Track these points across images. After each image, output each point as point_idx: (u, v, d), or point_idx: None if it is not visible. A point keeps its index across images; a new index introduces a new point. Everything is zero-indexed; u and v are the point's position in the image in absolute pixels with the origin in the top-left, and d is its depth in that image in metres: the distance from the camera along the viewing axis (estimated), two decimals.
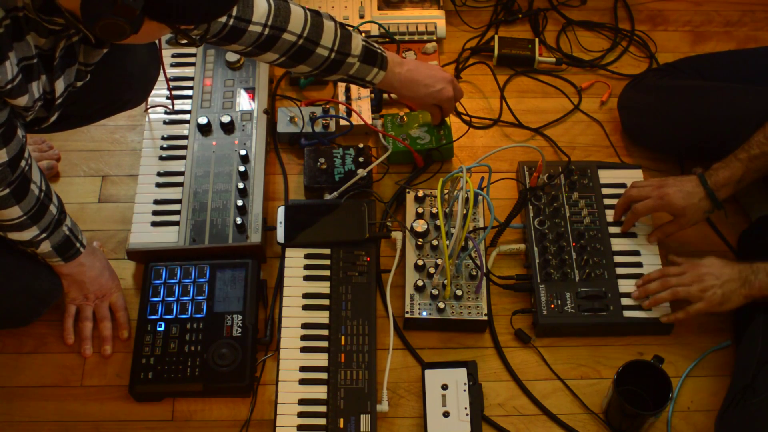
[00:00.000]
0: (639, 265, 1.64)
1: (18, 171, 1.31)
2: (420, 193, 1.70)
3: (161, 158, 1.75)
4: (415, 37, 2.00)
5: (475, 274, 1.61)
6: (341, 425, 1.45)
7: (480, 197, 1.68)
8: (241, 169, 1.70)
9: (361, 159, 1.76)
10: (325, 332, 1.54)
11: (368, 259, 1.61)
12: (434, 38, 2.00)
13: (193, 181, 1.71)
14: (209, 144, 1.76)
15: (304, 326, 1.55)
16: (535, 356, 1.60)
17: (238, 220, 1.63)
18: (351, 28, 1.59)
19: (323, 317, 1.56)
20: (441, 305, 1.57)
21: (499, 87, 1.98)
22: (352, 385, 1.49)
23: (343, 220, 1.64)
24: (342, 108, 1.86)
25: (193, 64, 1.87)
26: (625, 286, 1.61)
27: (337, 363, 1.51)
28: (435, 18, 2.01)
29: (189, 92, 1.83)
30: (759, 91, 1.64)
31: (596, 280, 1.62)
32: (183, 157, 1.74)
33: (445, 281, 1.58)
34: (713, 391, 1.55)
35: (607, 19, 2.13)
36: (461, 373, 1.51)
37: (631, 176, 1.74)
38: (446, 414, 1.47)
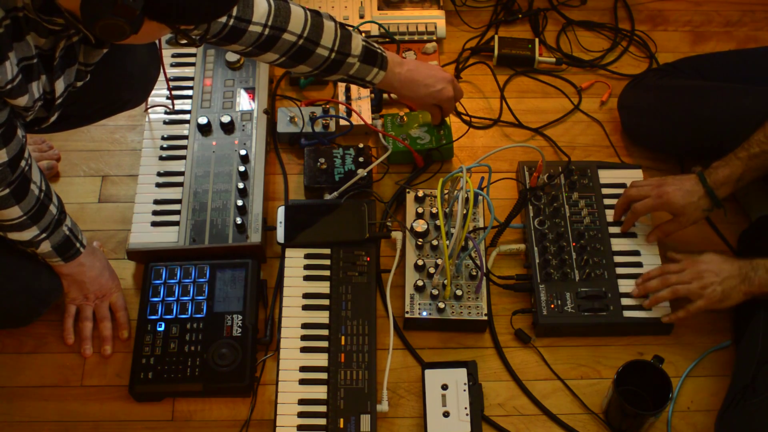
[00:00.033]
0: (639, 265, 1.64)
1: (18, 171, 1.31)
2: (420, 193, 1.70)
3: (161, 158, 1.75)
4: (415, 37, 1.99)
5: (475, 274, 1.61)
6: (341, 425, 1.45)
7: (480, 197, 1.68)
8: (241, 169, 1.70)
9: (361, 159, 1.76)
10: (325, 332, 1.54)
11: (368, 259, 1.61)
12: (434, 38, 2.00)
13: (193, 181, 1.71)
14: (209, 144, 1.76)
15: (304, 326, 1.55)
16: (535, 356, 1.60)
17: (238, 220, 1.63)
18: (351, 28, 1.59)
19: (323, 317, 1.56)
20: (441, 305, 1.57)
21: (499, 87, 1.98)
22: (352, 385, 1.49)
23: (343, 220, 1.64)
24: (342, 108, 1.86)
25: (193, 64, 1.87)
26: (625, 286, 1.61)
27: (337, 363, 1.51)
28: (435, 18, 2.01)
29: (189, 92, 1.83)
30: (759, 91, 1.64)
31: (596, 280, 1.62)
32: (183, 157, 1.74)
33: (445, 281, 1.58)
34: (713, 391, 1.55)
35: (607, 19, 2.13)
36: (461, 373, 1.51)
37: (631, 176, 1.74)
38: (446, 414, 1.47)
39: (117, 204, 1.78)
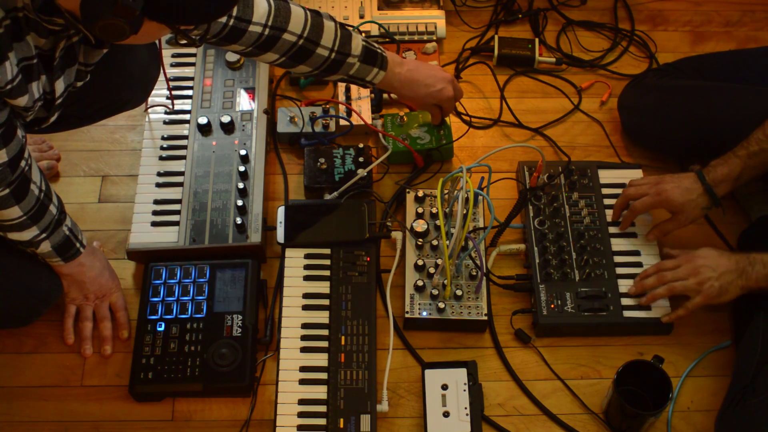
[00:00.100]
0: (639, 265, 1.64)
1: (18, 171, 1.31)
2: (420, 193, 1.70)
3: (161, 158, 1.75)
4: (415, 37, 1.99)
5: (475, 274, 1.61)
6: (341, 425, 1.45)
7: (480, 197, 1.68)
8: (241, 169, 1.70)
9: (361, 159, 1.76)
10: (325, 332, 1.54)
11: (368, 259, 1.61)
12: (434, 38, 2.00)
13: (193, 181, 1.71)
14: (209, 144, 1.76)
15: (304, 326, 1.55)
16: (535, 356, 1.60)
17: (238, 220, 1.63)
18: (351, 28, 1.59)
19: (323, 317, 1.56)
20: (441, 305, 1.57)
21: (499, 87, 1.98)
22: (352, 385, 1.49)
23: (343, 220, 1.64)
24: (342, 108, 1.86)
25: (193, 64, 1.87)
26: (625, 286, 1.61)
27: (337, 363, 1.51)
28: (435, 18, 2.01)
29: (189, 92, 1.83)
30: (759, 91, 1.64)
31: (596, 280, 1.62)
32: (183, 157, 1.74)
33: (445, 281, 1.58)
34: (713, 391, 1.55)
35: (607, 19, 2.13)
36: (461, 373, 1.51)
37: (631, 176, 1.74)
38: (446, 414, 1.47)
39: (117, 204, 1.78)
